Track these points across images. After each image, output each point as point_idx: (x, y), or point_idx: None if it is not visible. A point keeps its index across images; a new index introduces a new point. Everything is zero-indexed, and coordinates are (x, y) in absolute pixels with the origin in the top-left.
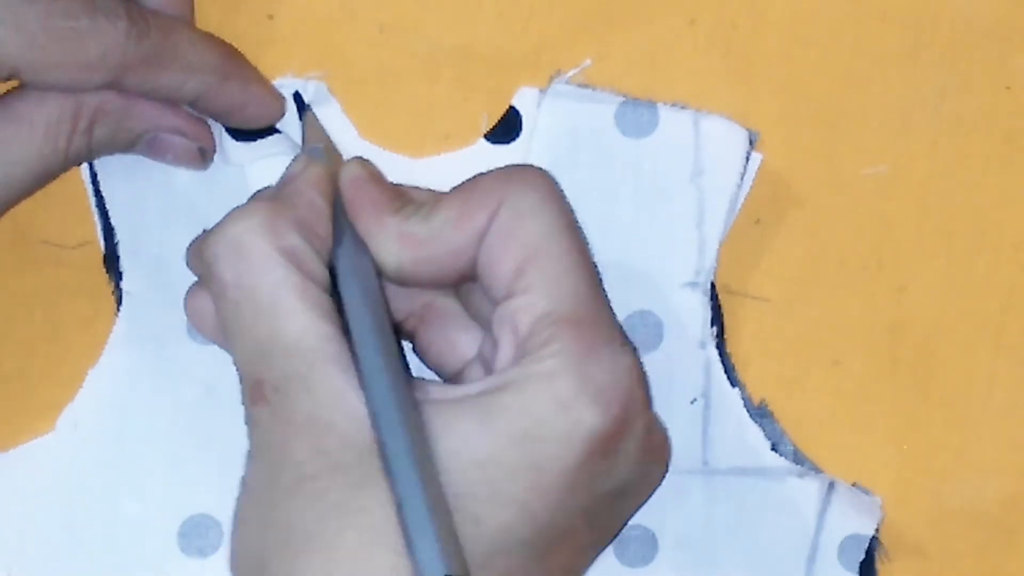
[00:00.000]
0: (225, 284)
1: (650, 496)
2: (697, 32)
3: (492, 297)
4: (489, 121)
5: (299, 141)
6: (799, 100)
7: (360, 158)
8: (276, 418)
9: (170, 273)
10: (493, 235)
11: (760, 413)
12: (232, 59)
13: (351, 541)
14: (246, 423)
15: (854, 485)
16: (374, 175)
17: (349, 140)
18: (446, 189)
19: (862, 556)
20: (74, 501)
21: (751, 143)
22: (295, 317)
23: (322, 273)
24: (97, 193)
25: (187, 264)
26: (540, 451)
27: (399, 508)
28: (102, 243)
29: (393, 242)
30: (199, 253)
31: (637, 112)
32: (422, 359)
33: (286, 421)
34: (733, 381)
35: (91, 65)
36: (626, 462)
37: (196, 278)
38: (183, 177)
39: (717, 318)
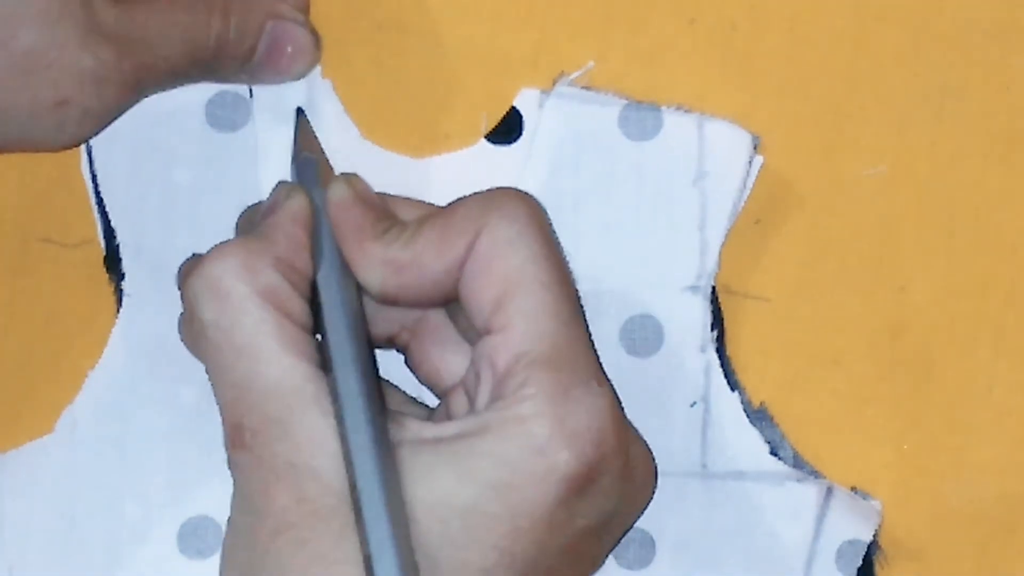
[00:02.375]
0: (204, 324)
1: (638, 518)
2: (697, 32)
3: (474, 326)
4: (489, 121)
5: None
6: (799, 100)
7: (348, 175)
8: (256, 464)
9: (170, 274)
10: (472, 265)
11: (759, 416)
12: None
13: None
14: (228, 467)
15: (853, 490)
16: (360, 195)
17: (351, 140)
18: (446, 190)
19: (859, 561)
20: (74, 502)
21: (754, 147)
22: (273, 360)
23: (301, 310)
24: (97, 194)
25: (178, 287)
26: (517, 497)
27: (367, 562)
28: (103, 244)
29: (375, 268)
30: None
31: (641, 115)
32: (414, 373)
33: (266, 467)
34: (733, 385)
35: None
36: (604, 497)
37: None
38: (183, 177)
39: (717, 321)
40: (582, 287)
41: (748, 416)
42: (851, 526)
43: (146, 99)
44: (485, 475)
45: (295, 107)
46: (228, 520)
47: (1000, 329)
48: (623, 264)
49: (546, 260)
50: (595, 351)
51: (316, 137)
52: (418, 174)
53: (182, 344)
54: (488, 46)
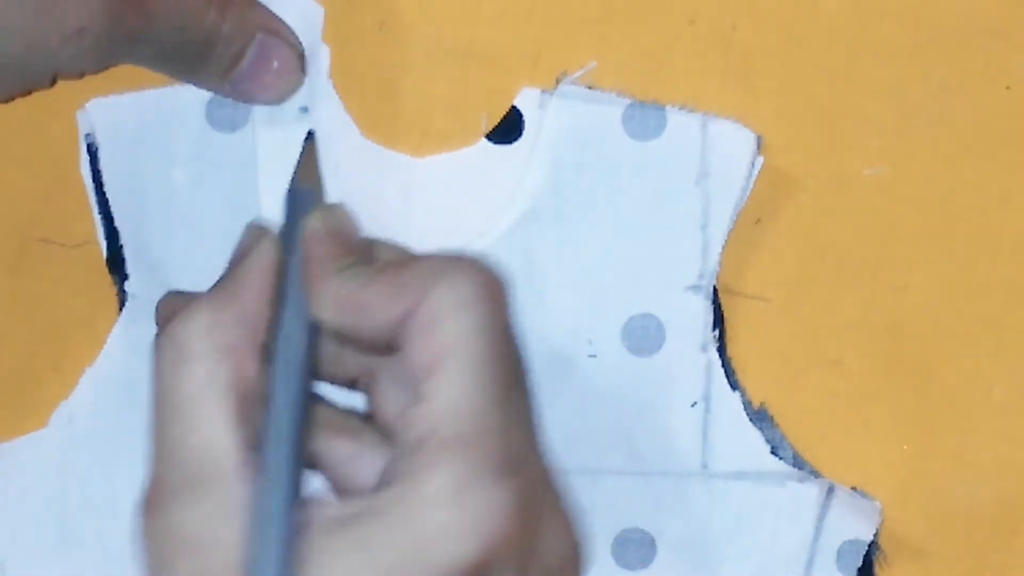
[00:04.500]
0: (157, 379)
1: None
2: (697, 32)
3: (408, 387)
4: (489, 121)
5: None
6: (799, 100)
7: (333, 207)
8: (164, 531)
9: (171, 275)
10: (413, 325)
11: (760, 417)
12: None
13: None
14: (135, 537)
15: (853, 489)
16: (335, 229)
17: (351, 139)
18: (447, 189)
19: (860, 561)
20: (67, 497)
21: (758, 146)
22: (209, 422)
23: (257, 372)
24: (100, 195)
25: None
26: None
27: None
28: (104, 245)
29: (329, 304)
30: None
31: (645, 115)
32: (375, 416)
33: (173, 535)
34: (733, 384)
35: None
36: None
37: (197, 283)
38: (183, 177)
39: (718, 321)
40: (585, 286)
41: (748, 417)
42: (852, 526)
43: (146, 98)
44: (383, 560)
45: (300, 107)
46: None
47: (1000, 329)
48: (625, 263)
49: (489, 333)
50: (531, 429)
51: (319, 166)
52: (419, 173)
53: None
54: (488, 46)
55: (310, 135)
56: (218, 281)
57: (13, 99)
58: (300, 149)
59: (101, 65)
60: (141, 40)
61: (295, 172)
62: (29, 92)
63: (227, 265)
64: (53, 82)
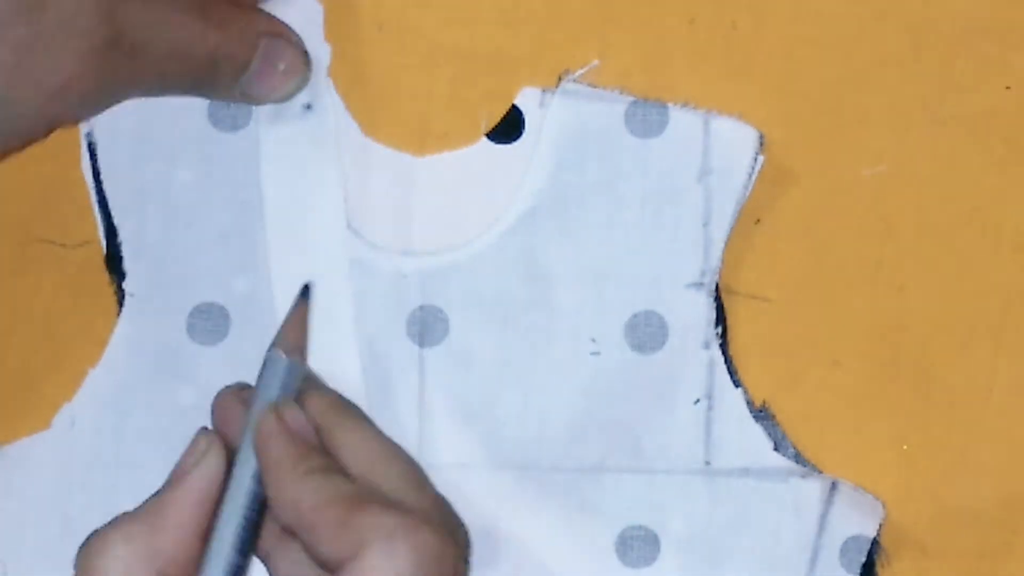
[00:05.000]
0: None
1: None
2: (697, 32)
3: None
4: (489, 121)
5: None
6: (799, 100)
7: (284, 405)
8: None
9: (171, 274)
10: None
11: (761, 416)
12: None
13: None
14: None
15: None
16: (288, 429)
17: (352, 138)
18: (447, 188)
19: (863, 558)
20: (70, 498)
21: (760, 144)
22: None
23: None
24: (100, 193)
25: None
26: None
27: None
28: (104, 243)
29: (286, 510)
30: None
31: (647, 112)
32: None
33: None
34: (736, 382)
35: None
36: None
37: (198, 283)
38: (185, 176)
39: (720, 318)
40: (587, 284)
41: (750, 415)
42: (855, 522)
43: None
44: None
45: (303, 104)
46: None
47: (1000, 329)
48: (628, 260)
49: None
50: None
51: (306, 327)
52: (419, 172)
53: (182, 344)
54: (488, 46)
55: (305, 290)
56: (151, 498)
57: (8, 155)
58: (292, 305)
59: (97, 111)
60: (138, 81)
61: (281, 333)
62: (24, 147)
63: (170, 475)
64: (48, 132)
